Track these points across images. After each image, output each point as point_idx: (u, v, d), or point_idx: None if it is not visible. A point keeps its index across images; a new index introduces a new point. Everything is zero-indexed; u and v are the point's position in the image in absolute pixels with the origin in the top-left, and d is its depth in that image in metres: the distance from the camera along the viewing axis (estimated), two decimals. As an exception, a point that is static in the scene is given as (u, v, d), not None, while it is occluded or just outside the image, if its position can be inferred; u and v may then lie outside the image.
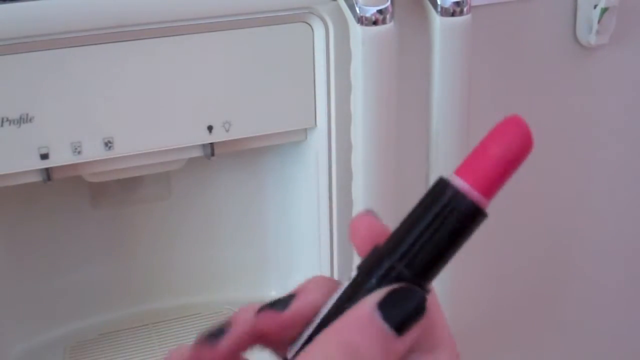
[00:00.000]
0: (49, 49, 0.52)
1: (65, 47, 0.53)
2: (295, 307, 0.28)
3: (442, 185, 0.26)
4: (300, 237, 0.69)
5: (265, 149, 0.66)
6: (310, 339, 0.27)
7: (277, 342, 0.29)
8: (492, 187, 0.26)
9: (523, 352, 0.87)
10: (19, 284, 0.68)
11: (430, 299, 0.27)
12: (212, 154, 0.60)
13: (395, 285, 0.26)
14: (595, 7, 0.71)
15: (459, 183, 0.26)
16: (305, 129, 0.63)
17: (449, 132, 0.60)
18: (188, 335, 0.69)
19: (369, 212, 0.30)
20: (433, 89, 0.59)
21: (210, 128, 0.58)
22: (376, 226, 0.29)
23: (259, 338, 0.29)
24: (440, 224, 0.26)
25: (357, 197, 0.59)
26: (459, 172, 0.26)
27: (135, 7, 0.53)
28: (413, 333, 0.26)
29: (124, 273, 0.72)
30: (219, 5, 0.55)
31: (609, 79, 0.77)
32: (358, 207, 0.60)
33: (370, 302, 0.26)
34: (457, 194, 0.26)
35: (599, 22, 0.71)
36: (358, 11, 0.54)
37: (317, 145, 0.63)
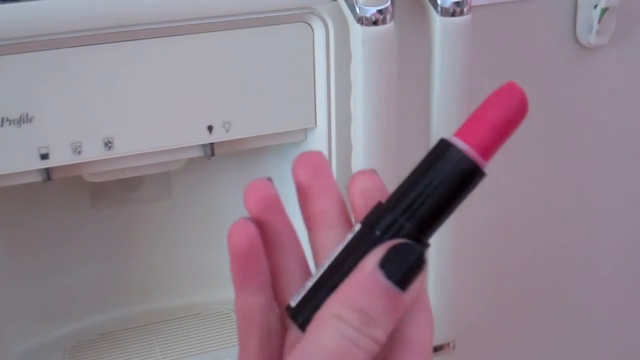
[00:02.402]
0: (49, 49, 0.52)
1: (65, 47, 0.53)
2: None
3: (443, 145, 0.28)
4: (300, 237, 0.69)
5: (265, 149, 0.66)
6: (313, 290, 0.28)
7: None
8: (489, 148, 0.27)
9: (523, 353, 0.87)
10: (19, 284, 0.68)
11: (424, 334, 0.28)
12: (212, 154, 0.60)
13: (393, 242, 0.27)
14: (595, 7, 0.71)
15: (459, 144, 0.27)
16: (305, 129, 0.63)
17: (449, 132, 0.60)
18: (188, 335, 0.69)
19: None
20: (433, 89, 0.59)
21: (210, 128, 0.58)
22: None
23: None
24: (440, 182, 0.27)
25: (357, 197, 0.59)
26: (458, 134, 0.27)
27: (135, 7, 0.53)
28: (415, 286, 0.27)
29: (124, 273, 0.72)
30: (218, 5, 0.55)
31: (609, 79, 0.77)
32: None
33: (371, 261, 0.26)
34: (458, 153, 0.27)
35: (599, 22, 0.71)
36: (358, 11, 0.54)
37: (317, 145, 0.63)
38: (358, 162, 0.58)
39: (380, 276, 0.26)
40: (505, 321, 0.83)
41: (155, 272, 0.73)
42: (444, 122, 0.59)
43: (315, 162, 0.31)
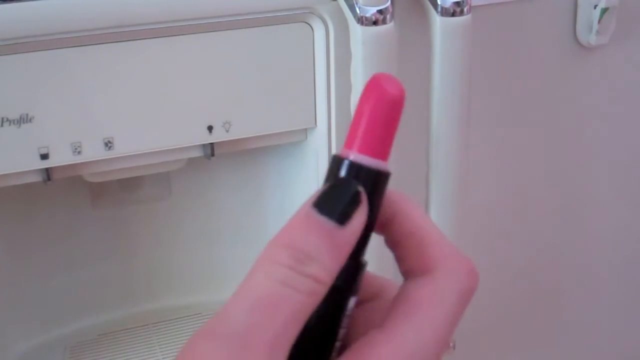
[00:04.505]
0: (49, 49, 0.52)
1: (65, 47, 0.53)
2: None
3: (338, 162, 0.27)
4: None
5: (265, 149, 0.66)
6: None
7: None
8: (382, 148, 0.27)
9: (523, 353, 0.87)
10: (18, 284, 0.68)
11: (415, 217, 0.27)
12: (212, 154, 0.60)
13: (327, 184, 0.26)
14: (595, 7, 0.71)
15: (354, 156, 0.27)
16: (305, 129, 0.63)
17: (449, 132, 0.60)
18: (188, 335, 0.69)
19: None
20: (433, 89, 0.59)
21: (210, 128, 0.58)
22: None
23: None
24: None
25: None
26: (347, 144, 0.27)
27: (135, 7, 0.53)
28: (356, 220, 0.25)
29: (124, 273, 0.72)
30: (218, 5, 0.55)
31: (609, 79, 0.77)
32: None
33: (306, 203, 0.26)
34: (356, 167, 0.26)
35: (599, 22, 0.71)
36: (358, 11, 0.54)
37: (317, 145, 0.63)
38: (358, 162, 0.58)
39: (313, 213, 0.25)
40: (505, 321, 0.83)
41: (155, 272, 0.73)
42: (444, 122, 0.59)
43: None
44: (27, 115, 0.53)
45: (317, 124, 0.62)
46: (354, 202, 0.26)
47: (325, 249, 0.25)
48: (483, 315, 0.79)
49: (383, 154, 0.27)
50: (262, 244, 0.76)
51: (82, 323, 0.71)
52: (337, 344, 0.27)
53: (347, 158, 0.27)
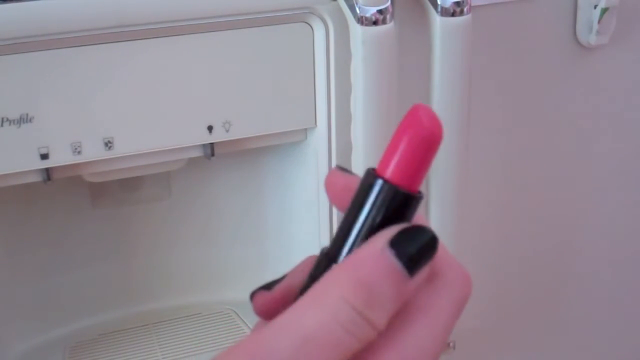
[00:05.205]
0: (49, 49, 0.52)
1: (65, 47, 0.53)
2: (282, 286, 0.29)
3: (372, 178, 0.26)
4: (300, 237, 0.69)
5: (265, 149, 0.66)
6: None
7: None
8: (415, 180, 0.26)
9: (523, 353, 0.87)
10: (18, 284, 0.68)
11: (421, 224, 0.27)
12: (212, 154, 0.60)
13: (406, 224, 0.25)
14: (595, 7, 0.71)
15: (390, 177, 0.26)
16: (305, 129, 0.63)
17: (449, 132, 0.60)
18: (188, 335, 0.69)
19: (338, 169, 0.30)
20: (433, 89, 0.59)
21: (210, 128, 0.58)
22: (349, 180, 0.28)
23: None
24: (384, 223, 0.26)
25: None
26: (381, 168, 0.26)
27: (135, 7, 0.53)
28: (423, 273, 0.25)
29: (124, 273, 0.72)
30: (219, 5, 0.55)
31: (609, 79, 0.77)
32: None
33: (381, 238, 0.25)
34: (393, 190, 0.26)
35: (599, 22, 0.71)
36: (358, 11, 0.54)
37: (317, 145, 0.63)
38: (358, 162, 0.58)
39: (389, 254, 0.24)
40: (505, 321, 0.83)
41: (155, 272, 0.73)
42: (443, 122, 0.59)
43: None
44: (27, 115, 0.53)
45: (317, 124, 0.62)
46: (429, 251, 0.25)
47: (393, 298, 0.24)
48: (483, 315, 0.79)
49: (415, 185, 0.27)
50: (261, 244, 0.76)
51: (82, 323, 0.71)
52: None
53: (383, 177, 0.26)
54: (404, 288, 0.24)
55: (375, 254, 0.24)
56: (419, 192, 0.26)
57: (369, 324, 0.23)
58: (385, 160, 0.26)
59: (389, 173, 0.26)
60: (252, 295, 0.29)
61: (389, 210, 0.26)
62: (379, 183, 0.26)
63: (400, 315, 0.26)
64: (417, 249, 0.25)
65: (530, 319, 0.84)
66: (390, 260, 0.24)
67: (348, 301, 0.23)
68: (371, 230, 0.26)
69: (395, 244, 0.24)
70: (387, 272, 0.24)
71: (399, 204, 0.26)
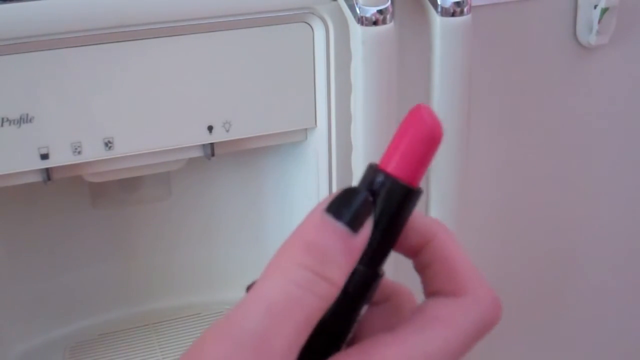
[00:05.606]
0: (49, 49, 0.52)
1: (65, 47, 0.53)
2: None
3: (373, 171, 0.28)
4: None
5: (265, 149, 0.66)
6: None
7: None
8: (416, 175, 0.27)
9: (523, 353, 0.87)
10: (19, 284, 0.68)
11: (449, 243, 0.28)
12: (212, 154, 0.60)
13: (338, 190, 0.27)
14: (595, 7, 0.71)
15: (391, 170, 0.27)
16: (305, 129, 0.63)
17: (449, 131, 0.60)
18: (188, 335, 0.69)
19: None
20: (433, 89, 0.59)
21: (210, 128, 0.58)
22: None
23: None
24: (386, 217, 0.27)
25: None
26: (383, 164, 0.28)
27: (135, 7, 0.53)
28: (366, 229, 0.26)
29: (124, 273, 0.72)
30: (219, 5, 0.55)
31: (609, 79, 0.77)
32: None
33: (318, 207, 0.26)
34: (394, 183, 0.27)
35: (599, 22, 0.71)
36: (358, 11, 0.54)
37: (317, 145, 0.63)
38: (358, 162, 0.58)
39: (328, 217, 0.26)
40: (505, 321, 0.83)
41: (155, 272, 0.73)
42: (444, 122, 0.59)
43: None
44: (27, 115, 0.53)
45: (317, 124, 0.62)
46: (365, 209, 0.26)
47: (341, 253, 0.25)
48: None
49: (415, 180, 0.28)
50: (261, 244, 0.76)
51: (82, 323, 0.71)
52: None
53: (384, 170, 0.27)
54: (351, 242, 0.25)
55: (316, 221, 0.26)
56: (419, 188, 0.28)
57: (324, 279, 0.25)
58: (388, 156, 0.28)
59: (390, 167, 0.27)
60: (248, 288, 0.29)
61: (390, 202, 0.27)
62: (380, 176, 0.27)
63: (416, 319, 0.27)
64: (351, 207, 0.26)
65: (531, 319, 0.84)
66: (331, 222, 0.26)
67: (301, 264, 0.25)
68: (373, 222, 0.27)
69: (331, 208, 0.26)
70: (330, 231, 0.25)
71: (400, 197, 0.27)
